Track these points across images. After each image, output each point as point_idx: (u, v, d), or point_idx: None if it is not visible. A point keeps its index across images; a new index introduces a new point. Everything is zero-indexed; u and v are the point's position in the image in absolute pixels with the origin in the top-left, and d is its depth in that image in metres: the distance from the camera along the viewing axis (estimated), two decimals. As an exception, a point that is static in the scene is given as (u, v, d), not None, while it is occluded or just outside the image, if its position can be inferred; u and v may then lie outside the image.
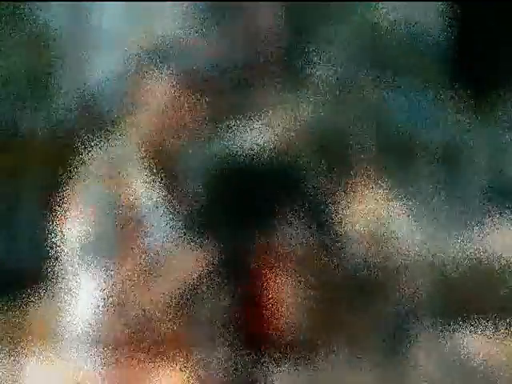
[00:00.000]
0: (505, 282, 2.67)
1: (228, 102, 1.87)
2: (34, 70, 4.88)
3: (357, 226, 1.97)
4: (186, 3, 4.68)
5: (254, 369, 1.83)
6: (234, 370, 1.78)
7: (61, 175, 1.81)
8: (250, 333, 1.77)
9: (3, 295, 3.29)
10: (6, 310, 2.81)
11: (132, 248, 1.66)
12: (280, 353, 1.85)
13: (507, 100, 3.75)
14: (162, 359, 1.68)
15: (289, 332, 1.83)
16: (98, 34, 4.85)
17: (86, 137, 1.84)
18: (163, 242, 1.68)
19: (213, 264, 1.60)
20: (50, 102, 4.89)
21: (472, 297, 2.59)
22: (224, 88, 1.76)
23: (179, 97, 1.70)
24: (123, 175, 1.69)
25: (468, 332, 2.54)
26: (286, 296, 1.83)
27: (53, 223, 1.68)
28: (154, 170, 1.76)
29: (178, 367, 1.68)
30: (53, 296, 1.75)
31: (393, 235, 2.04)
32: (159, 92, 1.70)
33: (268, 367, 1.85)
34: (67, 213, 1.66)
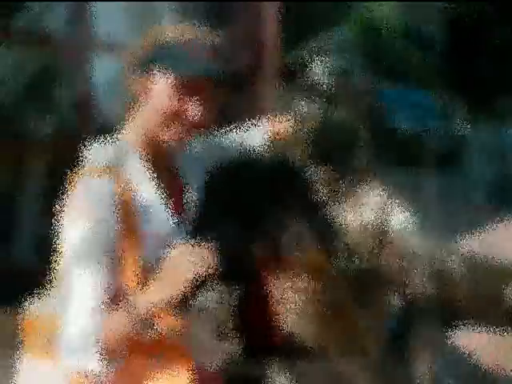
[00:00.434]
0: (505, 281, 2.67)
1: (228, 102, 1.87)
2: (34, 69, 4.88)
3: (357, 226, 1.98)
4: (186, 3, 4.69)
5: (254, 369, 1.83)
6: (235, 370, 1.78)
7: (61, 175, 1.81)
8: (251, 333, 1.77)
9: (3, 295, 3.30)
10: (6, 310, 2.82)
11: (132, 247, 1.66)
12: (280, 353, 1.85)
13: (507, 100, 3.77)
14: (162, 360, 1.68)
15: (289, 332, 1.83)
16: (98, 34, 4.86)
17: (86, 137, 1.83)
18: (163, 242, 1.68)
19: (213, 264, 1.60)
20: (49, 102, 4.90)
21: (472, 297, 2.59)
22: (224, 88, 1.76)
23: (179, 97, 1.70)
24: (123, 175, 1.69)
25: (468, 332, 2.54)
26: (285, 296, 1.83)
27: (53, 223, 1.69)
28: (154, 170, 1.76)
29: (177, 368, 1.69)
30: (53, 296, 1.75)
31: (393, 235, 2.04)
32: (159, 92, 1.71)
33: (268, 367, 1.85)
34: (67, 212, 1.66)
